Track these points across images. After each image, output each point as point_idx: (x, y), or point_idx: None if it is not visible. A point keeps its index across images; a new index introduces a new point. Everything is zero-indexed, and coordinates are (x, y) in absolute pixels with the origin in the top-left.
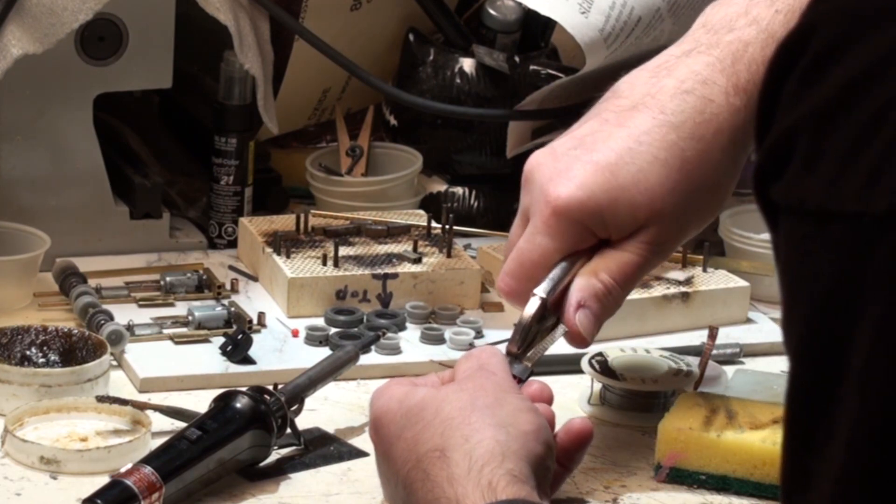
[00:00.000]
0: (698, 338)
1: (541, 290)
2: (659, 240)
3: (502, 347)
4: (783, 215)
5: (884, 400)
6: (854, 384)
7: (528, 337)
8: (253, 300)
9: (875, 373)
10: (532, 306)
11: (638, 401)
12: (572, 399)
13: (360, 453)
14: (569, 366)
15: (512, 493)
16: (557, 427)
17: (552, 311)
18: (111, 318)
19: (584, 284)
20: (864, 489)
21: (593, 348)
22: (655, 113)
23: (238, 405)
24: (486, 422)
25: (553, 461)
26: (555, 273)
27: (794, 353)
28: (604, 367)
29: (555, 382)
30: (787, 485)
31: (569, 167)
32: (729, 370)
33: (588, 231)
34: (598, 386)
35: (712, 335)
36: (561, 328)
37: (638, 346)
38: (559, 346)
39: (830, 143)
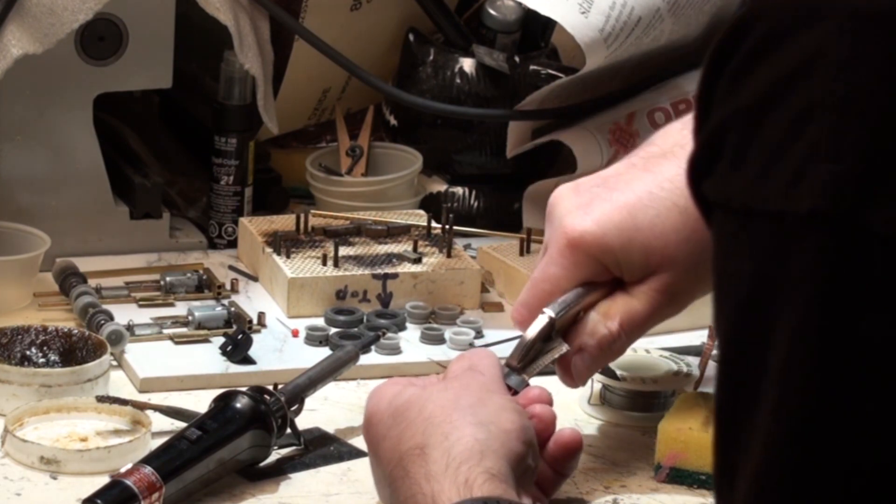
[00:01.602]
0: (698, 338)
1: (550, 310)
2: (670, 289)
3: (501, 348)
4: (714, 211)
5: (799, 398)
6: (772, 382)
7: (530, 354)
8: (253, 300)
9: (791, 372)
10: (538, 324)
11: (638, 401)
12: (572, 399)
13: (360, 453)
14: None
15: (488, 490)
16: (557, 428)
17: (559, 332)
18: (111, 318)
19: (591, 328)
20: (778, 485)
21: None
22: (682, 162)
23: (238, 405)
24: (466, 420)
25: (536, 459)
26: (568, 296)
27: (720, 348)
28: (604, 367)
29: (555, 382)
30: (717, 480)
31: (589, 202)
32: None
33: (602, 267)
34: (598, 386)
35: (712, 335)
36: (563, 347)
37: (638, 346)
38: None
39: (756, 142)
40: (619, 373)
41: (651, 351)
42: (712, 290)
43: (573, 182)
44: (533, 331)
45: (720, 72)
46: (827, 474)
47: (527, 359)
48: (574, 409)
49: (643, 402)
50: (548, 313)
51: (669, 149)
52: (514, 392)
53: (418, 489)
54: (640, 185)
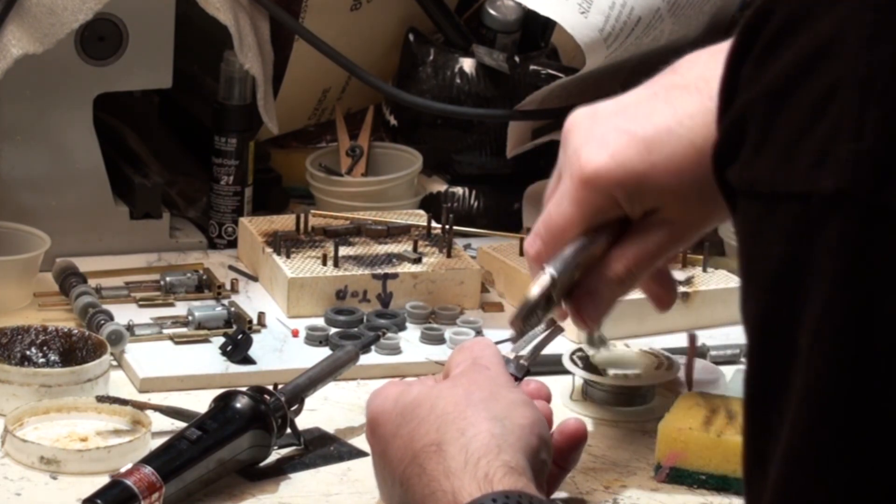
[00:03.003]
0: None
1: (552, 268)
2: (680, 222)
3: (501, 348)
4: (739, 197)
5: (826, 379)
6: (801, 364)
7: (534, 315)
8: (253, 300)
9: (819, 352)
10: (542, 282)
11: (620, 396)
12: (554, 395)
13: (360, 453)
14: (550, 366)
15: (508, 483)
16: (554, 426)
17: (562, 290)
18: (111, 318)
19: (597, 271)
20: (809, 467)
21: (574, 345)
22: (704, 98)
23: (238, 405)
24: (481, 415)
25: (549, 455)
26: (569, 251)
27: (749, 335)
28: (585, 363)
29: (552, 381)
30: (747, 469)
31: (605, 134)
32: (728, 370)
33: (613, 201)
34: (579, 381)
35: (692, 342)
36: (557, 329)
37: (618, 341)
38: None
39: (779, 125)
40: (600, 368)
41: (630, 345)
42: (739, 277)
43: (591, 107)
44: (536, 291)
45: (743, 58)
46: (857, 455)
47: (529, 320)
48: (555, 404)
49: (625, 396)
50: (549, 272)
51: (693, 82)
52: (515, 379)
53: (437, 486)
54: (659, 118)
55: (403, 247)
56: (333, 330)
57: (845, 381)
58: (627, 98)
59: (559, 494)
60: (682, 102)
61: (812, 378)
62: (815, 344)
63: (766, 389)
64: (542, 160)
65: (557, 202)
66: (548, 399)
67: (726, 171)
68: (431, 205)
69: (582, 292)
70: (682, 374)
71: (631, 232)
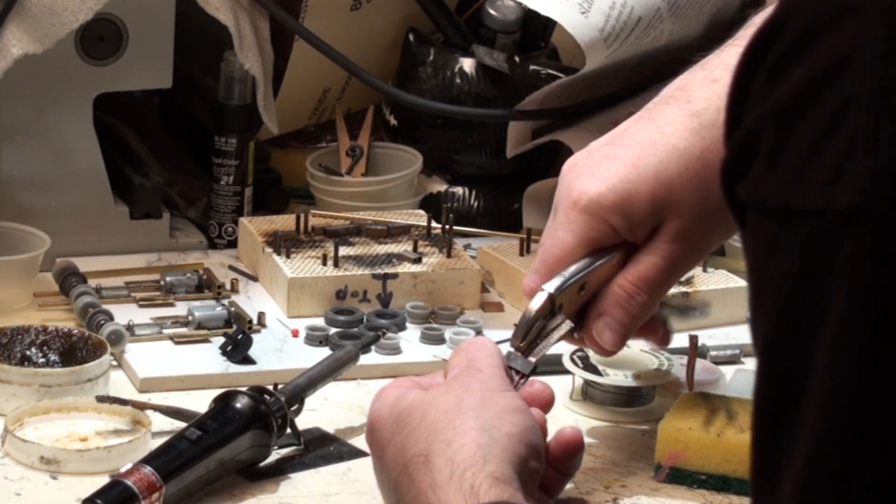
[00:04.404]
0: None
1: (549, 286)
2: (682, 236)
3: (501, 347)
4: (749, 213)
5: (845, 394)
6: (818, 381)
7: (532, 333)
8: (253, 300)
9: (837, 370)
10: (537, 301)
11: (619, 396)
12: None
13: (360, 453)
14: (550, 366)
15: (495, 494)
16: (551, 432)
17: (569, 311)
18: (111, 318)
19: (607, 292)
20: (826, 487)
21: (573, 345)
22: (682, 104)
23: (238, 405)
24: (468, 425)
25: (540, 462)
26: (570, 270)
27: (760, 350)
28: (586, 363)
29: (551, 381)
30: (756, 483)
31: (597, 164)
32: (728, 370)
33: (610, 228)
34: (579, 381)
35: (693, 344)
36: (566, 325)
37: None
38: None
39: (793, 141)
40: (600, 368)
41: (631, 346)
42: (749, 292)
43: (586, 148)
44: (531, 309)
45: (753, 72)
46: (877, 468)
47: (529, 338)
48: (555, 405)
49: (625, 397)
50: (546, 290)
51: (672, 94)
52: (521, 375)
53: (425, 498)
54: (642, 136)
55: (403, 247)
56: (333, 330)
57: (863, 396)
58: (617, 128)
59: (560, 495)
60: (662, 115)
61: (830, 394)
62: (833, 360)
63: (778, 404)
64: (542, 160)
65: (550, 234)
66: (550, 402)
67: (736, 185)
68: (431, 205)
69: (593, 313)
70: (682, 374)
71: (637, 251)
